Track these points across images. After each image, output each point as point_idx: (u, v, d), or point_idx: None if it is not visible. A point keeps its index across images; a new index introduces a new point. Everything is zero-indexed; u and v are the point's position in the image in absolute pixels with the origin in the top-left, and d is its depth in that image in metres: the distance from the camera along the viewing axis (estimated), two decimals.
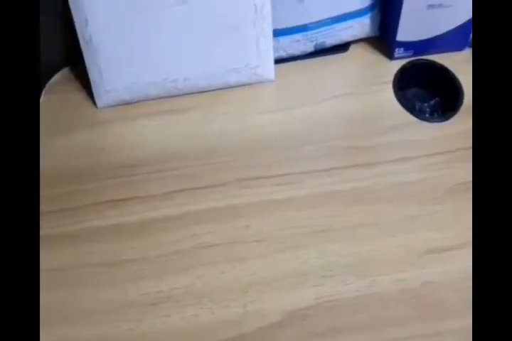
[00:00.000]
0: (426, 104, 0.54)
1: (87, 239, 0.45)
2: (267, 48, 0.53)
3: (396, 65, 0.55)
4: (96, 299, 0.42)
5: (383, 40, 0.57)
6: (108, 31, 0.50)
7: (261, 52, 0.53)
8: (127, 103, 0.54)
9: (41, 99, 0.55)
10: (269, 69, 0.54)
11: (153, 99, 0.54)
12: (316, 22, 0.54)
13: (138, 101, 0.54)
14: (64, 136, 0.52)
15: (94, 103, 0.54)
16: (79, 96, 0.54)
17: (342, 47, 0.57)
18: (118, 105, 0.54)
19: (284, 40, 0.55)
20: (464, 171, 0.48)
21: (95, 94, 0.54)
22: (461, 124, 0.52)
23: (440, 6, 0.51)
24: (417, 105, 0.54)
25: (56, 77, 0.56)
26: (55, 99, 0.54)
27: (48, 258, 0.43)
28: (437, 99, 0.54)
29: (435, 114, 0.54)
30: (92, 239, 0.45)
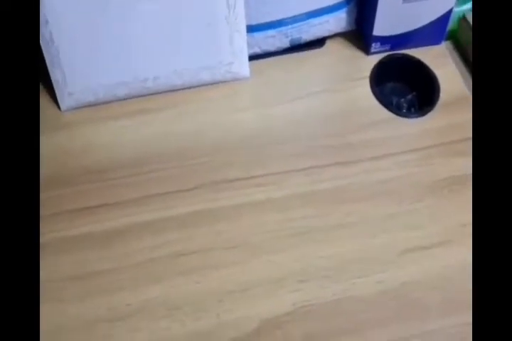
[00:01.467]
0: (403, 99, 0.54)
1: (53, 250, 0.43)
2: (241, 45, 0.52)
3: (373, 60, 0.55)
4: (62, 315, 0.40)
5: (359, 34, 0.56)
6: (70, 30, 0.48)
7: (235, 49, 0.52)
8: (94, 105, 0.52)
9: None
10: (243, 66, 0.53)
11: (123, 99, 0.52)
12: (291, 17, 0.53)
13: (106, 103, 0.52)
14: None
15: (59, 106, 0.52)
16: (42, 99, 0.52)
17: (318, 42, 0.56)
18: (84, 107, 0.52)
19: (258, 35, 0.53)
20: (442, 167, 0.48)
21: (58, 97, 0.51)
22: (438, 119, 0.51)
23: None
24: (394, 100, 0.54)
25: None
26: None
27: None
28: (414, 93, 0.54)
29: (412, 109, 0.53)
30: (59, 250, 0.43)
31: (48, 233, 0.44)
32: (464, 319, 0.39)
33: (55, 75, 0.51)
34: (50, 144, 0.50)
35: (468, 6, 0.57)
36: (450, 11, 0.52)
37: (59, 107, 0.52)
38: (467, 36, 0.56)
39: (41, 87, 0.53)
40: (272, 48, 0.55)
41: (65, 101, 0.52)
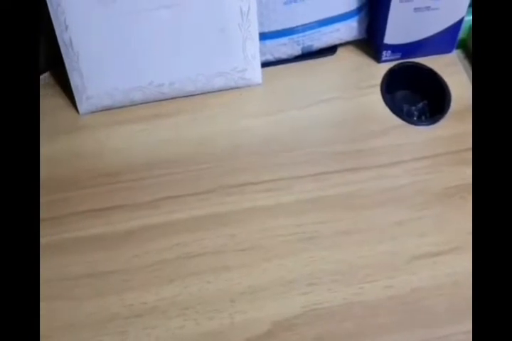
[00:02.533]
0: (414, 107, 0.54)
1: (67, 250, 0.44)
2: (254, 52, 0.53)
3: (384, 68, 0.55)
4: (77, 312, 0.41)
5: (370, 43, 0.56)
6: (89, 35, 0.50)
7: (248, 56, 0.53)
8: (110, 108, 0.53)
9: None
10: (256, 73, 0.54)
11: (138, 104, 0.53)
12: (303, 25, 0.54)
13: (122, 107, 0.53)
14: (44, 143, 0.50)
15: (77, 108, 0.53)
16: (60, 101, 0.53)
17: (329, 50, 0.56)
18: (101, 111, 0.53)
19: (270, 43, 0.54)
20: (452, 175, 0.48)
21: (77, 100, 0.53)
22: (448, 127, 0.51)
23: (427, 8, 0.51)
24: (405, 108, 0.54)
25: None
26: None
27: None
28: (425, 101, 0.54)
29: (423, 117, 0.53)
30: (73, 250, 0.44)
31: (61, 233, 0.45)
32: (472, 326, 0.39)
33: (74, 79, 0.52)
34: (65, 146, 0.51)
35: None
36: (461, 20, 0.53)
37: (77, 110, 0.53)
38: None
39: (60, 91, 0.54)
40: (283, 56, 0.55)
41: (83, 105, 0.53)
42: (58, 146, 0.50)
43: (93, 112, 0.53)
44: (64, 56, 0.51)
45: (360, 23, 0.55)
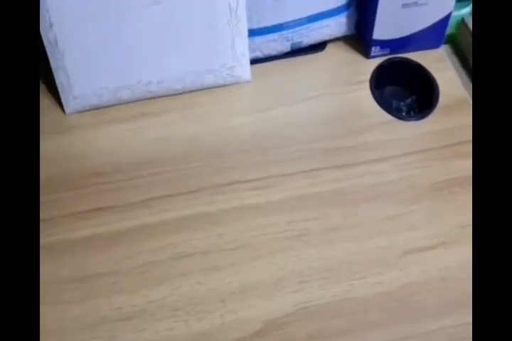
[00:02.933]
0: (403, 103, 0.54)
1: (57, 252, 0.44)
2: (243, 48, 0.52)
3: (373, 64, 0.55)
4: (66, 316, 0.41)
5: (359, 38, 0.56)
6: (75, 33, 0.49)
7: (236, 53, 0.52)
8: (98, 108, 0.53)
9: None
10: (245, 70, 0.53)
11: (126, 102, 0.53)
12: (292, 21, 0.53)
13: (109, 106, 0.53)
14: None
15: (63, 108, 0.52)
16: (46, 101, 0.53)
17: (319, 46, 0.56)
18: (88, 110, 0.52)
19: (259, 40, 0.54)
20: (441, 170, 0.48)
21: (63, 100, 0.52)
22: (437, 122, 0.52)
23: (415, 4, 0.51)
24: (394, 104, 0.54)
25: None
26: None
27: None
28: (414, 97, 0.54)
29: (412, 113, 0.54)
30: (62, 253, 0.44)
31: (49, 236, 0.45)
32: (463, 319, 0.40)
33: (59, 78, 0.51)
34: (52, 147, 0.50)
35: (467, 10, 0.57)
36: (449, 15, 0.53)
37: (63, 110, 0.52)
38: (466, 40, 0.57)
39: (46, 90, 0.53)
40: (273, 52, 0.55)
41: (69, 105, 0.52)
42: (46, 147, 0.49)
43: (80, 112, 0.52)
44: (49, 55, 0.50)
45: (349, 18, 0.55)
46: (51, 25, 0.48)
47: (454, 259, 0.43)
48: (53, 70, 0.51)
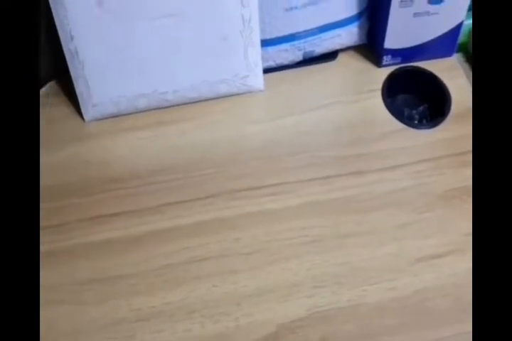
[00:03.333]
0: (414, 111, 0.55)
1: (76, 255, 0.45)
2: (256, 58, 0.53)
3: (384, 73, 0.56)
4: (85, 317, 0.42)
5: (371, 47, 0.57)
6: (94, 45, 0.50)
7: (250, 63, 0.53)
8: (116, 116, 0.54)
9: None
10: (258, 80, 0.54)
11: (143, 111, 0.54)
12: (304, 31, 0.54)
13: (127, 114, 0.54)
14: (51, 150, 0.51)
15: (82, 116, 0.54)
16: (66, 109, 0.54)
17: (330, 55, 0.57)
18: (106, 118, 0.54)
19: (272, 49, 0.55)
20: (453, 178, 0.49)
21: (82, 108, 0.54)
22: (449, 131, 0.52)
23: (427, 13, 0.52)
24: (406, 112, 0.54)
25: (43, 91, 0.56)
26: (42, 113, 0.54)
27: None
28: (426, 105, 0.55)
29: (423, 121, 0.54)
30: (81, 256, 0.45)
31: (68, 239, 0.46)
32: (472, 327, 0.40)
33: (79, 87, 0.53)
34: (72, 154, 0.52)
35: None
36: (460, 24, 0.53)
37: (83, 118, 0.54)
38: None
39: (66, 99, 0.55)
40: (285, 61, 0.56)
41: (89, 113, 0.54)
42: (65, 154, 0.51)
43: (98, 120, 0.54)
44: (69, 65, 0.52)
45: (360, 28, 0.56)
46: (72, 38, 0.50)
47: (466, 266, 0.43)
48: (73, 79, 0.52)
